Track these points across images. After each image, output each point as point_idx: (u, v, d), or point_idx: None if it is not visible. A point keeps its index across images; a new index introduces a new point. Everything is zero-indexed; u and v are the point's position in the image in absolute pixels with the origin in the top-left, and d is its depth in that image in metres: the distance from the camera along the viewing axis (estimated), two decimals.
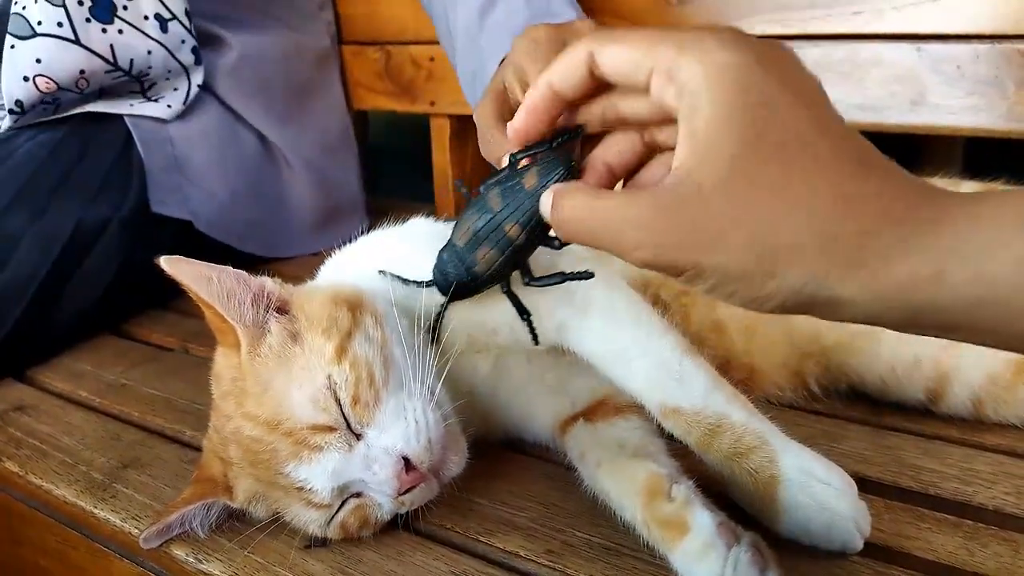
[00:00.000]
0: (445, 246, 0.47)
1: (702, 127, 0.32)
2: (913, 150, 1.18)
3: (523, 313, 0.49)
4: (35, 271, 0.79)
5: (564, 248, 0.44)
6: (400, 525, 0.52)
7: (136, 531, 0.54)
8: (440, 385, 0.51)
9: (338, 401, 0.48)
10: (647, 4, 0.90)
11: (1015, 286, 0.29)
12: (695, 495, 0.46)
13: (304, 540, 0.52)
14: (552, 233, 0.43)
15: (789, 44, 0.84)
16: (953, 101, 0.77)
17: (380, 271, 0.54)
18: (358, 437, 0.48)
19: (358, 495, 0.49)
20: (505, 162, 0.43)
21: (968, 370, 0.57)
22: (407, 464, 0.47)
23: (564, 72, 0.37)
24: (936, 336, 0.32)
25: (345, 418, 0.48)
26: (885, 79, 0.80)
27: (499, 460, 0.59)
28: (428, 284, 0.49)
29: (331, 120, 1.16)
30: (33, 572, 0.72)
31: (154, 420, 0.70)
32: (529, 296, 0.49)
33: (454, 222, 0.47)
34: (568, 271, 0.46)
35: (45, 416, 0.72)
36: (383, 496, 0.48)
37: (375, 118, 1.42)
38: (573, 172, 0.41)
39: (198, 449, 0.58)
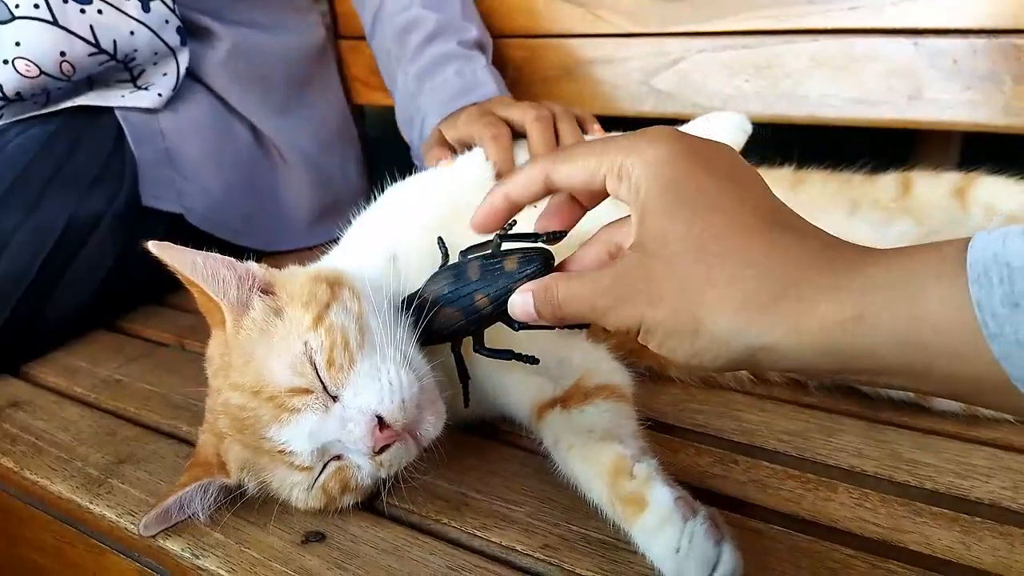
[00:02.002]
0: (415, 292, 0.52)
1: (643, 207, 0.38)
2: (909, 145, 1.18)
3: (464, 375, 0.53)
4: (28, 266, 0.79)
5: (520, 330, 0.48)
6: (386, 514, 0.52)
7: (132, 526, 0.54)
8: (414, 348, 0.52)
9: (314, 365, 0.49)
10: (646, 2, 0.90)
11: (936, 327, 0.30)
12: (657, 472, 0.47)
13: (301, 535, 0.52)
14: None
15: (785, 38, 0.85)
16: (950, 96, 0.77)
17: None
18: (335, 399, 0.49)
19: (339, 458, 0.51)
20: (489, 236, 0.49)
21: None
22: (381, 423, 0.48)
23: (522, 188, 0.44)
24: (869, 384, 0.34)
25: (321, 381, 0.49)
26: (882, 74, 0.80)
27: (494, 455, 0.59)
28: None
29: (329, 114, 1.15)
30: (30, 569, 0.72)
31: (150, 416, 0.70)
32: None
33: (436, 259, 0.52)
34: (517, 352, 0.50)
35: (40, 412, 0.72)
36: (360, 456, 0.49)
37: (371, 113, 1.41)
38: (549, 267, 0.46)
39: (194, 444, 0.58)
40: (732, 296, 0.34)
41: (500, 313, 0.48)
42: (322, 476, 0.51)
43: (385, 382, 0.49)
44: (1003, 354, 0.29)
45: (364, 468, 0.50)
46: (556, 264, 0.47)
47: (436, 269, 0.52)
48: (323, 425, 0.49)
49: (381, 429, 0.48)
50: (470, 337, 0.51)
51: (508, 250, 0.48)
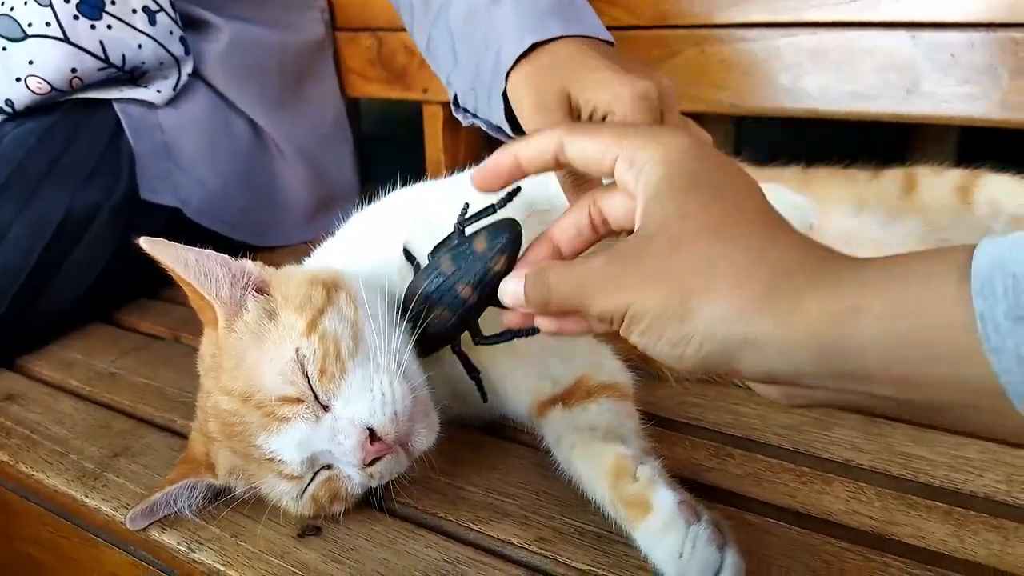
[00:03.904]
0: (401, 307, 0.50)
1: (654, 191, 0.38)
2: (906, 138, 1.18)
3: (472, 372, 0.52)
4: (24, 259, 0.78)
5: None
6: (382, 508, 0.52)
7: None
8: (409, 357, 0.51)
9: (305, 374, 0.48)
10: None
11: (934, 328, 0.29)
12: (659, 475, 0.46)
13: (297, 529, 0.52)
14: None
15: (783, 31, 0.84)
16: (947, 89, 0.77)
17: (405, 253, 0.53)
18: (326, 409, 0.49)
19: (328, 467, 0.50)
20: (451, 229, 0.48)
21: None
22: (372, 435, 0.48)
23: (533, 153, 0.43)
24: (851, 390, 0.33)
25: (312, 390, 0.48)
26: (879, 67, 0.80)
27: (490, 449, 0.59)
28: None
29: (325, 109, 1.15)
30: (25, 563, 0.72)
31: (144, 409, 0.69)
32: None
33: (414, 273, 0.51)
34: (515, 330, 0.47)
35: (35, 405, 0.71)
36: (350, 467, 0.49)
37: (367, 105, 1.41)
38: (518, 235, 0.45)
39: (188, 438, 0.58)
40: (726, 279, 0.33)
41: (487, 297, 0.47)
42: (312, 485, 0.50)
43: (377, 393, 0.48)
44: (1003, 369, 0.28)
45: (354, 479, 0.50)
46: (530, 235, 0.45)
47: (412, 278, 0.51)
48: (313, 435, 0.48)
49: (372, 441, 0.47)
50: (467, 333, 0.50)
51: (473, 233, 0.47)
